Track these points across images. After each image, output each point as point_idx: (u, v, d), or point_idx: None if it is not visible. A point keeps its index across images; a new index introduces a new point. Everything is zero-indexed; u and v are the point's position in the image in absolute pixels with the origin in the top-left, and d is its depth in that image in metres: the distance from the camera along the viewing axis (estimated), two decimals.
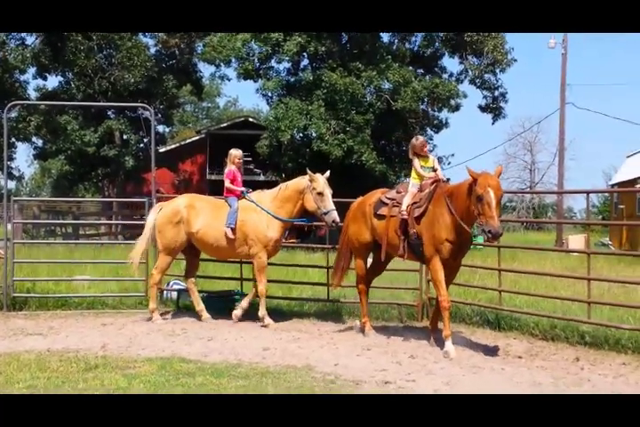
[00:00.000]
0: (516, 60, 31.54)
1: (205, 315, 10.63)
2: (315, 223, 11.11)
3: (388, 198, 9.29)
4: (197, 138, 42.78)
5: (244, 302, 10.61)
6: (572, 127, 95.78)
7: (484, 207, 7.74)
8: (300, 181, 10.35)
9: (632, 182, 28.25)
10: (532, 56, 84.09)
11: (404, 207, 8.90)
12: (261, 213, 10.35)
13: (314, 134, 29.85)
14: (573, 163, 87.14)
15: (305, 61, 32.19)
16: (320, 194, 10.03)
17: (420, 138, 9.28)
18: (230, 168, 10.77)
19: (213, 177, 40.57)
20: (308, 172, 10.27)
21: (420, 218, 8.74)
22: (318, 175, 10.14)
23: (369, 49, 29.79)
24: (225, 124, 43.07)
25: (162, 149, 38.60)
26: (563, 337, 9.03)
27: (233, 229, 10.31)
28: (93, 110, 32.19)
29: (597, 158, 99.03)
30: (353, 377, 7.10)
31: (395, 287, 11.21)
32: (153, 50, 33.99)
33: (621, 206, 30.22)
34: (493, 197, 7.72)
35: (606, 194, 46.40)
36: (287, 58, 30.81)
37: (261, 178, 38.57)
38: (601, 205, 52.14)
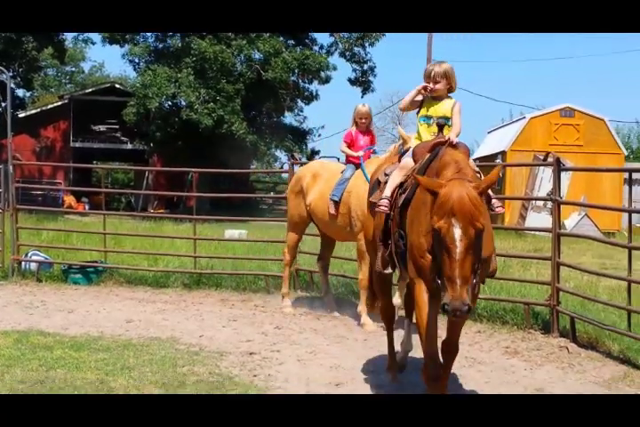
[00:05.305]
0: (384, 35, 32.00)
1: (331, 305, 9.18)
2: (183, 194, 10.79)
3: (386, 175, 5.72)
4: (60, 103, 41.00)
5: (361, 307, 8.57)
6: None
7: (442, 255, 4.15)
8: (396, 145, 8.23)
9: (492, 157, 29.35)
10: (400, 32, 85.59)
11: (387, 193, 5.38)
12: (367, 184, 8.11)
13: (183, 103, 29.46)
14: None
15: None
16: None
17: (446, 63, 5.56)
18: (350, 129, 8.76)
19: (77, 144, 39.24)
20: (400, 131, 7.14)
21: (406, 209, 4.99)
22: (411, 135, 7.75)
23: None
24: (90, 90, 41.57)
25: (21, 115, 36.93)
26: None
27: (337, 203, 8.47)
28: None
29: (461, 133, 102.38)
30: (218, 348, 7.09)
31: (262, 258, 11.26)
32: None
33: None
34: (459, 240, 4.04)
35: None
36: None
37: (129, 147, 37.67)
38: None
